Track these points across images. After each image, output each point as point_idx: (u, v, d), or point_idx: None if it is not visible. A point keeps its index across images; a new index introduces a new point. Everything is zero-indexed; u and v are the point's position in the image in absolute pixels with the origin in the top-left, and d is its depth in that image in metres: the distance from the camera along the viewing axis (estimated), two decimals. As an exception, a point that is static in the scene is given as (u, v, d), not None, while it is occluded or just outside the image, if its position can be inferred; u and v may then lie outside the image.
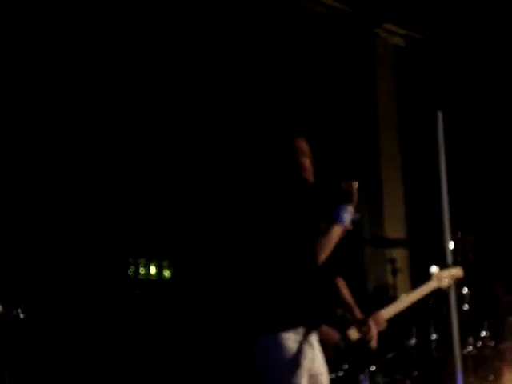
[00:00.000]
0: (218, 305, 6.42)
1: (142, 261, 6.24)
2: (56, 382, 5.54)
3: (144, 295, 6.17)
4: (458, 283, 5.17)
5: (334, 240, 3.89)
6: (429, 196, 7.72)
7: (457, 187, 5.50)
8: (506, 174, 8.23)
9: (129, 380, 5.87)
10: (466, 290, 6.76)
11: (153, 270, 6.28)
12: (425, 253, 7.60)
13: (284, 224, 3.91)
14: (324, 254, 3.86)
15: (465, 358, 6.20)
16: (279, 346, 3.82)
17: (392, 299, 6.98)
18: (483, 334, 6.92)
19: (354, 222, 3.96)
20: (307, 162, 4.08)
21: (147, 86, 6.67)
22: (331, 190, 4.00)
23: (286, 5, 7.54)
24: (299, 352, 3.83)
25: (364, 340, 4.17)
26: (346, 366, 4.83)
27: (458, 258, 6.41)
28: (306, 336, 3.87)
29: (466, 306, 6.77)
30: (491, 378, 6.62)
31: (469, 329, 6.76)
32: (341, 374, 4.66)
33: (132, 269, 6.17)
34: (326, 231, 3.89)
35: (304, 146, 4.12)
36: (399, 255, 7.89)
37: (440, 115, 5.09)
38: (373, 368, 5.90)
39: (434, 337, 6.80)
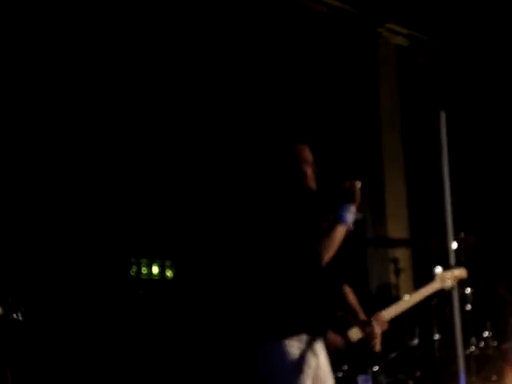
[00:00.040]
0: (220, 305, 6.42)
1: (145, 261, 6.23)
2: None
3: (146, 295, 6.17)
4: (461, 283, 5.16)
5: (338, 240, 3.88)
6: (431, 196, 7.73)
7: (459, 187, 5.50)
8: (508, 174, 8.22)
9: (131, 380, 5.86)
10: (468, 290, 6.75)
11: (155, 269, 6.27)
12: (427, 253, 7.61)
13: (287, 231, 3.88)
14: (328, 255, 3.85)
15: (468, 358, 6.21)
16: (282, 353, 3.80)
17: (395, 299, 6.98)
18: (486, 334, 6.92)
19: (356, 222, 3.95)
20: (310, 171, 4.05)
21: (151, 89, 6.67)
22: (334, 189, 3.99)
23: (288, 4, 7.54)
24: (302, 360, 3.80)
25: (366, 341, 4.15)
26: (345, 367, 4.84)
27: (461, 259, 6.40)
28: (309, 344, 3.84)
29: (468, 306, 6.77)
30: (494, 378, 6.62)
31: (471, 329, 6.75)
32: (340, 374, 4.66)
33: (134, 269, 6.17)
34: (329, 231, 3.88)
35: (307, 154, 4.09)
36: (402, 255, 7.88)
37: (443, 115, 5.08)
38: (376, 368, 5.90)
39: (436, 337, 6.80)
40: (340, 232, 3.88)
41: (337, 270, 4.04)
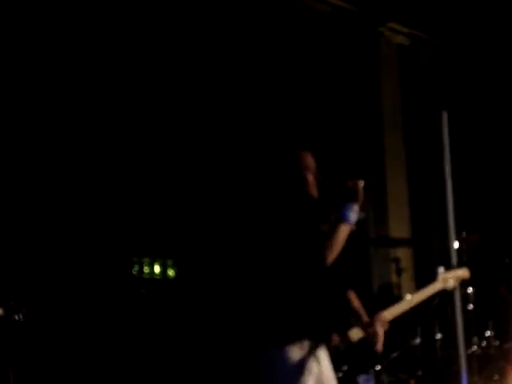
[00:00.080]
0: (221, 305, 6.42)
1: (147, 260, 6.23)
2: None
3: (148, 294, 6.17)
4: (463, 283, 5.16)
5: (341, 239, 3.88)
6: (433, 196, 7.72)
7: (461, 187, 5.49)
8: (510, 173, 8.22)
9: (133, 379, 5.87)
10: (470, 290, 6.75)
11: (157, 269, 6.28)
12: (429, 252, 7.60)
13: (289, 238, 3.87)
14: (332, 255, 3.85)
15: (469, 357, 6.21)
16: (284, 360, 3.78)
17: (396, 298, 6.99)
18: (488, 333, 6.91)
19: (359, 221, 3.95)
20: (312, 177, 4.04)
21: (157, 90, 6.67)
22: (337, 189, 3.99)
23: (290, 4, 7.54)
24: (304, 366, 3.79)
25: (367, 340, 4.14)
26: (345, 367, 4.83)
27: (463, 258, 6.40)
28: (312, 350, 3.82)
29: (470, 306, 6.77)
30: (496, 377, 6.62)
31: (473, 328, 6.75)
32: (340, 374, 4.65)
33: (136, 268, 6.17)
34: (332, 231, 3.88)
35: (309, 160, 4.07)
36: (404, 255, 7.88)
37: (445, 115, 5.08)
38: (378, 367, 5.90)
39: (438, 336, 6.80)
40: (343, 231, 3.88)
41: (340, 276, 4.03)
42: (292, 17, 7.59)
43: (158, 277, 6.28)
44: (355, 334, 4.30)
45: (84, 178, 6.15)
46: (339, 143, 7.95)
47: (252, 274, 3.99)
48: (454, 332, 5.08)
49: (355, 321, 4.13)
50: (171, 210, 6.60)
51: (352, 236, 3.99)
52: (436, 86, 8.81)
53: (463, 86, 8.59)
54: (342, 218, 3.90)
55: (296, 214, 3.94)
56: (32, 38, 5.96)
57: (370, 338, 4.07)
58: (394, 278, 7.45)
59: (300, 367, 3.79)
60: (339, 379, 4.05)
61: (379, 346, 4.03)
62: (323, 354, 3.90)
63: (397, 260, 7.37)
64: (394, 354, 6.54)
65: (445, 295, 5.09)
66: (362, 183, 3.97)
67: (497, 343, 6.90)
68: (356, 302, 4.11)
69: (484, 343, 6.86)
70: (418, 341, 6.85)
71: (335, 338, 4.17)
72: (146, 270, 6.22)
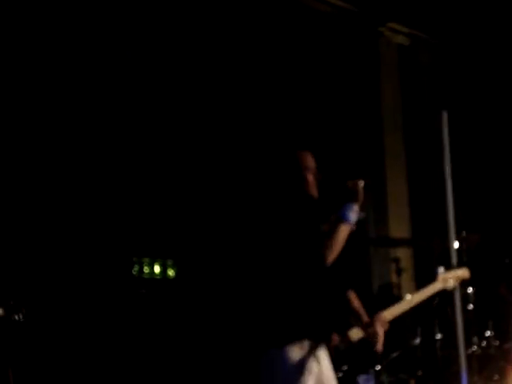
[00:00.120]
0: (221, 305, 6.42)
1: (147, 260, 6.23)
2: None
3: (148, 294, 6.17)
4: (463, 283, 5.16)
5: (342, 239, 3.88)
6: (433, 195, 7.71)
7: (461, 187, 5.49)
8: (510, 173, 8.22)
9: (133, 380, 5.87)
10: (470, 290, 6.75)
11: (157, 269, 6.27)
12: (429, 252, 7.60)
13: (288, 238, 3.87)
14: (332, 255, 3.85)
15: (469, 357, 6.21)
16: (284, 360, 3.78)
17: (396, 298, 6.99)
18: (488, 333, 6.91)
19: (359, 221, 3.95)
20: (312, 177, 4.04)
21: (157, 90, 6.67)
22: (337, 189, 3.99)
23: (290, 4, 7.54)
24: (304, 366, 3.78)
25: (367, 340, 4.14)
26: (345, 367, 4.82)
27: (463, 258, 6.40)
28: (311, 350, 3.82)
29: (470, 306, 6.77)
30: (496, 377, 6.62)
31: (473, 328, 6.75)
32: (340, 375, 4.64)
33: (136, 268, 6.17)
34: (332, 231, 3.88)
35: (309, 161, 4.06)
36: (404, 255, 7.88)
37: (445, 115, 5.08)
38: (378, 367, 5.90)
39: (438, 336, 6.80)
40: (343, 231, 3.88)
41: (340, 276, 4.03)
42: (292, 17, 7.59)
43: (158, 277, 6.28)
44: (355, 333, 4.29)
45: (84, 178, 6.15)
46: (339, 143, 7.95)
47: (252, 273, 3.99)
48: (454, 332, 5.08)
49: (355, 321, 4.13)
50: (171, 209, 6.60)
51: (352, 236, 3.99)
52: (436, 86, 8.80)
53: (463, 85, 8.59)
54: (342, 218, 3.90)
55: (296, 215, 3.94)
56: (32, 38, 5.96)
57: (370, 338, 4.07)
58: (394, 278, 7.45)
59: (300, 367, 3.79)
60: (339, 379, 4.05)
61: (379, 346, 4.03)
62: (323, 354, 3.90)
63: (397, 260, 7.37)
64: (394, 354, 6.54)
65: (445, 295, 5.09)
66: (362, 183, 3.97)
67: (497, 343, 6.90)
68: (356, 302, 4.11)
69: (484, 343, 6.86)
70: (418, 341, 6.85)
71: (335, 338, 4.17)
72: (146, 270, 6.22)
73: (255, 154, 6.68)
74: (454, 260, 5.01)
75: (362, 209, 3.97)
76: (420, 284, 4.89)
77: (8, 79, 5.79)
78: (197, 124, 6.89)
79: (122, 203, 6.33)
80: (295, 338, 3.81)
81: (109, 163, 6.32)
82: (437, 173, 5.27)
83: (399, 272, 7.31)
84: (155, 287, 6.25)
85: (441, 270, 4.61)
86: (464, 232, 6.62)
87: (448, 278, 4.61)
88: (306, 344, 3.82)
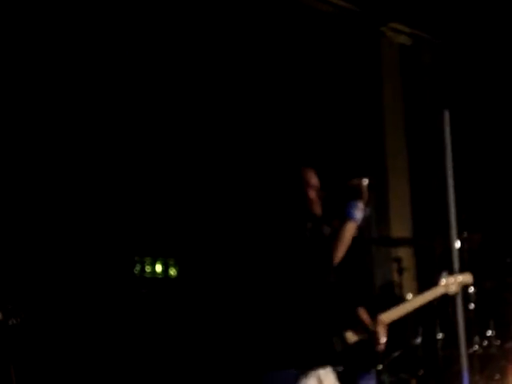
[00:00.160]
0: (223, 305, 6.42)
1: (148, 259, 6.24)
2: None
3: (150, 294, 6.17)
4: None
5: (348, 238, 3.89)
6: (435, 195, 7.72)
7: (463, 186, 5.50)
8: (512, 173, 8.23)
9: (134, 380, 5.87)
10: (472, 290, 6.75)
11: (159, 268, 6.28)
12: (431, 252, 7.61)
13: (288, 259, 3.83)
14: (340, 253, 3.86)
15: (471, 357, 6.20)
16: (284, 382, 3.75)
17: (398, 298, 7.00)
18: (489, 333, 6.91)
19: (365, 218, 3.98)
20: (314, 195, 4.02)
21: (160, 95, 6.68)
22: (341, 187, 4.01)
23: (291, 4, 7.54)
24: None
25: (368, 341, 4.12)
26: (345, 368, 4.82)
27: (465, 258, 6.40)
28: (313, 372, 3.79)
29: (472, 305, 6.77)
30: (497, 377, 6.62)
31: (475, 328, 6.76)
32: (340, 374, 4.64)
33: (138, 267, 6.18)
34: (338, 230, 3.89)
35: (313, 178, 4.05)
36: (405, 254, 7.89)
37: (446, 114, 5.08)
38: (379, 367, 5.90)
39: (439, 336, 6.80)
40: (350, 229, 3.90)
41: (346, 293, 4.00)
42: (293, 17, 7.59)
43: (160, 276, 6.29)
44: (352, 336, 4.28)
45: (84, 177, 6.15)
46: (341, 143, 7.95)
47: (251, 288, 3.96)
48: (455, 331, 5.08)
49: (361, 332, 4.08)
50: (173, 209, 6.61)
51: (354, 236, 4.01)
52: (438, 86, 8.81)
53: (465, 85, 8.59)
54: (348, 216, 3.92)
55: (297, 236, 3.90)
56: (32, 37, 5.96)
57: (370, 339, 4.06)
58: (396, 278, 7.45)
59: None
60: (339, 379, 4.05)
61: (381, 347, 4.02)
62: (327, 377, 3.86)
63: (398, 259, 7.38)
64: (395, 354, 6.56)
65: (446, 295, 5.09)
66: (366, 181, 4.00)
67: (498, 343, 6.90)
68: (365, 317, 4.01)
69: (485, 343, 6.86)
70: (419, 340, 6.86)
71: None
72: (148, 269, 6.23)
73: (257, 157, 6.69)
74: (456, 264, 4.99)
75: (366, 205, 4.00)
76: (422, 283, 4.91)
77: (8, 79, 5.80)
78: (197, 124, 6.89)
79: (124, 202, 6.34)
80: (296, 363, 3.76)
81: (110, 163, 6.32)
82: (438, 172, 5.28)
83: (401, 271, 7.32)
84: (157, 286, 6.25)
85: (444, 274, 4.59)
86: (466, 232, 6.62)
87: (450, 284, 4.60)
88: (308, 368, 3.78)
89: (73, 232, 5.99)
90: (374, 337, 4.00)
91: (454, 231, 5.05)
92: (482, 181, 8.41)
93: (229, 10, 7.11)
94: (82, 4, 6.24)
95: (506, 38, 8.20)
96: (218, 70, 7.03)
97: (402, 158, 8.58)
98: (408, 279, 7.76)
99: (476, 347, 6.74)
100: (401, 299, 6.69)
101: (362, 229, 4.10)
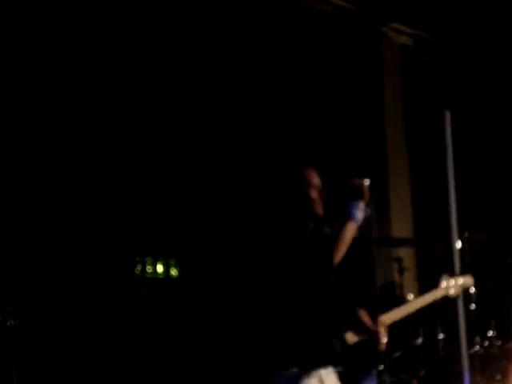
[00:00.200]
0: (224, 305, 6.42)
1: (149, 259, 6.24)
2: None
3: (151, 294, 6.18)
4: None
5: (349, 238, 3.90)
6: (436, 195, 7.73)
7: (464, 186, 5.50)
8: (513, 173, 8.23)
9: (135, 380, 5.87)
10: (473, 290, 6.75)
11: (160, 268, 6.28)
12: (432, 252, 7.61)
13: (288, 259, 3.83)
14: (340, 253, 3.86)
15: (472, 357, 6.19)
16: (286, 382, 3.75)
17: (399, 298, 7.00)
18: (490, 333, 6.92)
19: (366, 218, 3.98)
20: (316, 195, 4.02)
21: (161, 95, 6.68)
22: (342, 187, 4.01)
23: (292, 4, 7.54)
24: None
25: (365, 343, 4.12)
26: (346, 368, 4.82)
27: (466, 258, 6.40)
28: (315, 372, 3.80)
29: (473, 306, 6.77)
30: (498, 377, 6.61)
31: (476, 328, 6.76)
32: (341, 374, 4.64)
33: (139, 267, 6.18)
34: (339, 230, 3.89)
35: (314, 178, 4.05)
36: (406, 254, 7.89)
37: (447, 114, 5.08)
38: (380, 367, 5.90)
39: (440, 336, 6.80)
40: (350, 229, 3.91)
41: (346, 294, 4.00)
42: (294, 17, 7.59)
43: (161, 276, 6.29)
44: (351, 337, 4.28)
45: (85, 177, 6.15)
46: (342, 143, 7.95)
47: (253, 289, 3.95)
48: (456, 332, 5.07)
49: (361, 333, 4.07)
50: (174, 209, 6.61)
51: (355, 236, 4.01)
52: (439, 86, 8.81)
53: (466, 85, 8.59)
54: (349, 216, 3.92)
55: (297, 238, 3.90)
56: (32, 37, 5.97)
57: (371, 339, 4.05)
58: (397, 278, 7.45)
59: None
60: (341, 379, 4.05)
61: (382, 347, 4.02)
62: (328, 377, 3.86)
63: (399, 259, 7.38)
64: (396, 354, 6.56)
65: (447, 296, 5.09)
66: (367, 182, 4.01)
67: (499, 343, 6.90)
68: (366, 320, 4.00)
69: (486, 343, 6.86)
70: (420, 341, 6.85)
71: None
72: (149, 269, 6.23)
73: (259, 157, 6.69)
74: (457, 265, 4.98)
75: (367, 205, 4.00)
76: (422, 284, 4.90)
77: (8, 79, 5.80)
78: (199, 124, 6.89)
79: (125, 202, 6.34)
80: (297, 362, 3.77)
81: (111, 162, 6.32)
82: (439, 172, 5.27)
83: (402, 271, 7.32)
84: (158, 287, 6.25)
85: (445, 276, 4.58)
86: (467, 232, 6.62)
87: (450, 286, 4.60)
88: (309, 367, 3.78)
89: (73, 232, 5.99)
90: (374, 337, 3.99)
91: (454, 231, 5.04)
92: (483, 181, 8.41)
93: (229, 10, 7.11)
94: (82, 4, 6.24)
95: (506, 38, 8.20)
96: (219, 70, 7.03)
97: (402, 158, 8.58)
98: (409, 279, 7.76)
99: (477, 347, 6.75)
100: (401, 299, 6.70)
101: (363, 229, 4.11)
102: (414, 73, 8.83)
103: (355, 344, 4.02)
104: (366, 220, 4.05)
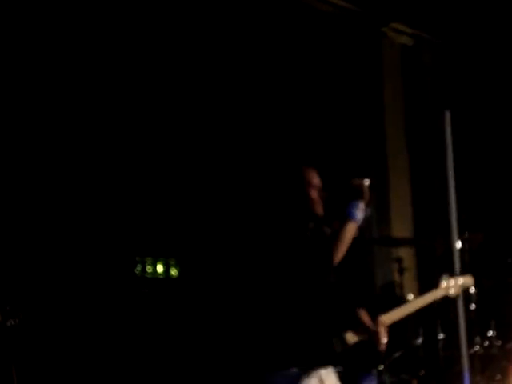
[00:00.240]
0: (224, 305, 6.42)
1: (149, 259, 6.24)
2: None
3: (151, 294, 6.18)
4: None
5: (349, 238, 3.90)
6: (436, 195, 7.73)
7: (464, 186, 5.50)
8: (513, 173, 8.23)
9: (135, 380, 5.87)
10: (473, 290, 6.75)
11: (160, 268, 6.28)
12: (432, 252, 7.61)
13: (288, 260, 3.83)
14: (340, 253, 3.86)
15: (472, 357, 6.19)
16: (286, 382, 3.75)
17: (399, 298, 7.00)
18: (490, 333, 6.91)
19: (366, 218, 3.98)
20: (316, 195, 4.02)
21: (161, 96, 6.68)
22: (342, 187, 4.01)
23: (292, 4, 7.54)
24: None
25: (365, 343, 4.11)
26: (346, 368, 4.82)
27: (466, 258, 6.40)
28: (315, 372, 3.80)
29: (473, 306, 6.77)
30: (498, 377, 6.61)
31: (476, 328, 6.76)
32: (341, 375, 4.64)
33: (139, 267, 6.18)
34: (339, 230, 3.89)
35: (314, 178, 4.05)
36: (406, 254, 7.89)
37: (447, 114, 5.08)
38: (380, 367, 5.90)
39: (440, 336, 6.80)
40: (350, 229, 3.91)
41: (346, 294, 3.99)
42: (294, 17, 7.59)
43: (161, 276, 6.29)
44: (351, 337, 4.27)
45: (85, 177, 6.15)
46: (342, 143, 7.96)
47: (253, 289, 3.95)
48: (456, 332, 5.07)
49: (361, 333, 4.07)
50: (174, 209, 6.61)
51: (355, 236, 4.01)
52: (439, 86, 8.81)
53: (466, 85, 8.59)
54: (349, 216, 3.92)
55: (297, 238, 3.89)
56: (32, 37, 5.97)
57: (371, 339, 4.05)
58: (397, 278, 7.45)
59: None
60: (341, 379, 4.05)
61: (382, 347, 4.02)
62: (327, 377, 3.86)
63: (399, 259, 7.38)
64: (396, 354, 6.55)
65: (447, 296, 5.09)
66: (367, 182, 4.01)
67: (499, 343, 6.90)
68: (366, 320, 3.99)
69: (486, 343, 6.86)
70: (420, 341, 6.85)
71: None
72: (149, 269, 6.23)
73: (259, 157, 6.68)
74: (457, 265, 4.98)
75: (367, 205, 4.00)
76: (422, 284, 4.90)
77: (8, 79, 5.80)
78: (199, 124, 6.89)
79: (125, 202, 6.34)
80: (297, 362, 3.76)
81: (111, 162, 6.32)
82: (439, 172, 5.27)
83: (402, 271, 7.32)
84: (158, 287, 6.25)
85: (445, 276, 4.58)
86: (467, 232, 6.62)
87: (450, 286, 4.59)
88: (309, 367, 3.78)
89: (73, 232, 5.99)
90: (374, 337, 3.99)
91: (454, 231, 5.04)
92: (483, 181, 8.41)
93: (230, 10, 7.11)
94: (82, 4, 6.24)
95: (506, 38, 8.20)
96: (219, 70, 7.03)
97: (402, 158, 8.58)
98: (409, 279, 7.75)
99: (477, 347, 6.74)
100: (401, 299, 6.70)
101: (363, 229, 4.11)
102: (414, 73, 8.83)
103: (355, 344, 4.01)
104: (366, 220, 4.05)
